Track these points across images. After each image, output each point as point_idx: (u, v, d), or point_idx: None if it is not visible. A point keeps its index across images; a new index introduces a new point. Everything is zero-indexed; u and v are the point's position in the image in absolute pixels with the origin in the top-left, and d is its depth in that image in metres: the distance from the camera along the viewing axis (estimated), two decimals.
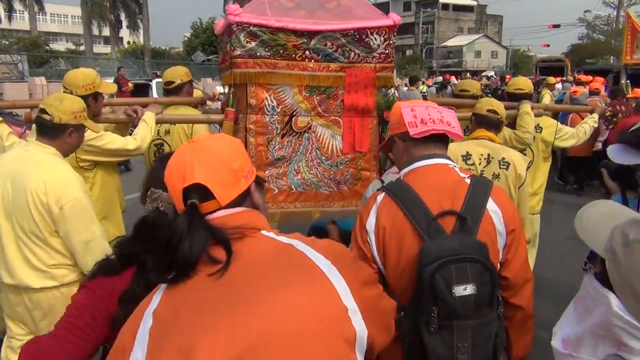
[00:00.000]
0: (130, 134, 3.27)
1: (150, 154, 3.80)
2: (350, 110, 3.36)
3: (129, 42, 49.05)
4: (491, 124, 3.21)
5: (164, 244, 1.10)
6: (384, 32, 3.35)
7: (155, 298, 1.11)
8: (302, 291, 1.05)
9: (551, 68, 26.03)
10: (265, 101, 3.24)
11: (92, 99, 3.11)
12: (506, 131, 3.76)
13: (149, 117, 3.23)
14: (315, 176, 3.37)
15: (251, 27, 3.14)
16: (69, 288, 2.48)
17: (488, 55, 62.61)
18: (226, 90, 3.93)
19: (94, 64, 27.40)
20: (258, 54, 3.18)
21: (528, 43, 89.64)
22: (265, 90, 3.24)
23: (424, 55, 54.71)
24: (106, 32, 40.14)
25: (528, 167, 3.97)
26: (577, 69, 29.73)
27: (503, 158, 3.07)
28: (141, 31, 38.59)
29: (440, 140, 1.87)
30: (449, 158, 1.87)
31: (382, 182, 2.56)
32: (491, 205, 1.73)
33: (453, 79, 23.61)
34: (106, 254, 2.11)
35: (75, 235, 2.40)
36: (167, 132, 3.73)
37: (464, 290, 1.51)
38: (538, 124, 4.03)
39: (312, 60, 3.28)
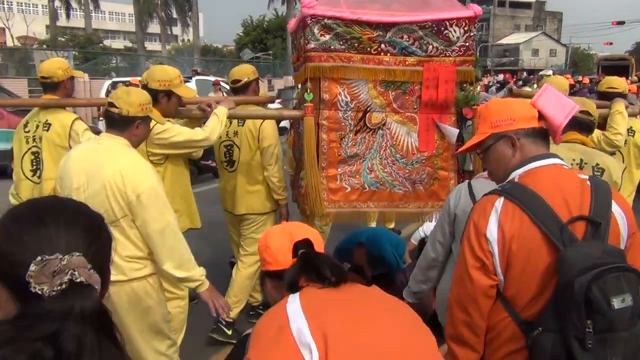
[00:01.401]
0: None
1: (220, 154, 3.83)
2: (428, 106, 3.25)
3: (182, 40, 50.25)
4: (583, 126, 3.00)
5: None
6: (463, 23, 3.22)
7: (293, 296, 1.46)
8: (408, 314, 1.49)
9: (614, 67, 25.05)
10: (339, 96, 3.17)
11: (165, 97, 3.13)
12: (595, 132, 3.55)
13: (220, 111, 3.22)
14: (389, 175, 3.28)
15: (325, 20, 3.09)
16: (139, 283, 2.51)
17: (546, 53, 60.82)
18: (297, 88, 3.94)
19: (143, 61, 28.22)
20: (332, 47, 3.12)
21: (589, 41, 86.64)
22: (339, 85, 3.17)
23: (478, 53, 53.63)
24: (159, 29, 41.26)
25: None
26: None
27: (597, 164, 2.87)
28: (191, 29, 39.43)
29: (547, 139, 1.79)
30: (560, 158, 1.77)
31: (470, 186, 2.45)
32: (615, 208, 1.64)
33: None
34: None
35: (152, 223, 2.43)
36: (236, 133, 3.73)
37: (622, 302, 1.42)
38: (631, 127, 3.77)
39: (388, 54, 3.19)
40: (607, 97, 3.83)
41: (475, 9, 3.27)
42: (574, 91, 13.02)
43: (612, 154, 3.65)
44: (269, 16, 41.77)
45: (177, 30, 43.78)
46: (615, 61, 27.11)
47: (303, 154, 3.32)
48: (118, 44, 50.63)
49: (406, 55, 3.20)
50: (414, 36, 3.18)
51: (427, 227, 3.57)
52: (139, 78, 14.49)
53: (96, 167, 2.43)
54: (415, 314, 1.46)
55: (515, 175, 1.73)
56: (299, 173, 3.65)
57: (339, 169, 3.25)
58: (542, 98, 1.75)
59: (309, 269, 1.51)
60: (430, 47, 3.20)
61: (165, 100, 3.14)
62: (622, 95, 3.82)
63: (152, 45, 49.29)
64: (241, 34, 42.28)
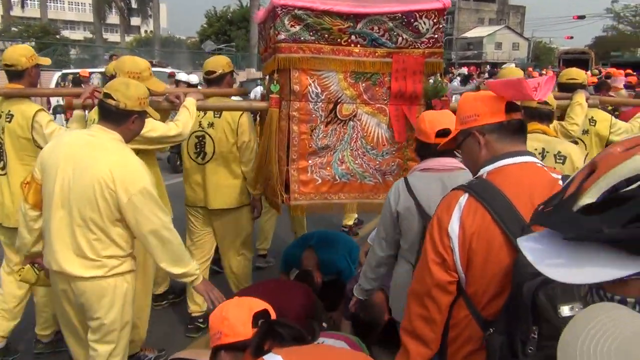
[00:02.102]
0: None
1: (190, 145, 3.75)
2: (398, 97, 3.30)
3: (146, 32, 49.19)
4: (543, 115, 3.10)
5: None
6: (433, 15, 3.28)
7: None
8: None
9: (575, 61, 25.75)
10: (309, 87, 3.19)
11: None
12: (552, 123, 3.67)
13: (190, 103, 3.19)
14: (360, 166, 3.32)
15: (296, 10, 3.09)
16: (117, 279, 2.50)
17: (509, 47, 61.99)
18: (265, 80, 3.92)
19: (102, 53, 27.53)
20: (302, 38, 3.13)
21: (551, 35, 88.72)
22: (309, 76, 3.18)
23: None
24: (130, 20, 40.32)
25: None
26: (601, 62, 29.41)
27: (559, 151, 2.98)
28: (151, 20, 38.66)
29: (524, 132, 1.73)
30: (533, 155, 1.72)
31: (407, 181, 2.46)
32: None
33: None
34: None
35: (146, 224, 2.41)
36: (211, 124, 3.67)
37: (571, 310, 1.32)
38: (592, 117, 3.91)
39: (358, 45, 3.22)
40: (568, 88, 3.94)
41: (445, 1, 3.32)
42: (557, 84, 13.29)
43: (575, 143, 3.78)
44: (233, 7, 41.36)
45: (138, 21, 42.80)
46: (575, 55, 27.84)
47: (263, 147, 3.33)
48: (78, 35, 49.32)
49: (376, 47, 3.24)
50: (384, 27, 3.22)
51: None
52: (90, 70, 14.03)
53: (86, 161, 2.38)
54: None
55: (484, 171, 1.69)
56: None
57: (310, 161, 3.27)
58: (498, 86, 1.71)
59: (272, 335, 1.64)
60: (400, 38, 3.24)
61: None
62: (582, 86, 3.96)
63: (114, 37, 48.14)
64: (205, 26, 41.68)
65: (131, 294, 2.60)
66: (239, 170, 3.71)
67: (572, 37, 52.49)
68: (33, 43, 23.90)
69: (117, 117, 2.46)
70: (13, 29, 33.64)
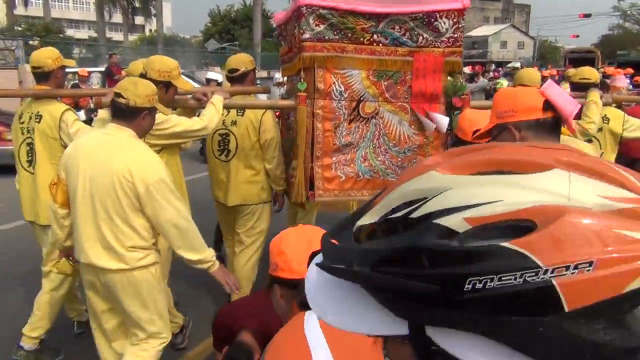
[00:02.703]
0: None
1: (214, 143, 3.84)
2: (418, 96, 3.40)
3: (150, 31, 49.38)
4: None
5: None
6: (453, 15, 3.38)
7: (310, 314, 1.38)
8: None
9: (581, 60, 25.81)
10: (333, 86, 3.29)
11: (163, 87, 3.17)
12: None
13: (217, 99, 3.29)
14: (382, 163, 3.42)
15: (320, 10, 3.20)
16: (141, 272, 2.62)
17: (514, 45, 62.04)
18: (284, 81, 4.01)
19: (105, 52, 27.67)
20: (326, 37, 3.23)
21: (556, 33, 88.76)
22: (333, 74, 3.29)
23: None
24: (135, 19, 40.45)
25: None
26: (608, 60, 29.45)
27: None
28: (154, 18, 38.76)
29: (559, 130, 1.79)
30: None
31: None
32: None
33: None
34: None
35: (163, 213, 2.55)
36: (234, 122, 3.75)
37: None
38: (605, 115, 4.01)
39: (380, 44, 3.32)
40: (581, 87, 4.05)
41: (464, 1, 3.42)
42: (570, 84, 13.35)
43: (589, 141, 3.88)
44: (237, 6, 41.55)
45: (143, 20, 42.98)
46: (581, 54, 27.89)
47: (294, 144, 3.43)
48: (82, 34, 49.54)
49: (397, 46, 3.34)
50: (405, 27, 3.32)
51: None
52: (90, 69, 13.94)
53: (104, 159, 2.53)
54: None
55: None
56: (289, 163, 3.76)
57: (334, 158, 3.37)
58: (549, 88, 1.78)
59: None
60: (421, 38, 3.35)
61: (163, 91, 3.18)
62: (595, 85, 4.06)
63: (118, 36, 48.36)
64: (209, 25, 41.86)
65: (158, 285, 2.73)
66: (261, 167, 3.79)
67: (578, 36, 52.60)
68: (36, 42, 24.01)
69: (128, 114, 2.61)
70: (16, 27, 33.86)
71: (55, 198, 2.72)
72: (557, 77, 16.76)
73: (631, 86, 9.64)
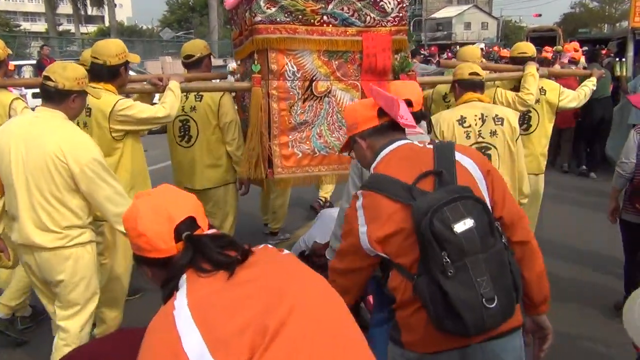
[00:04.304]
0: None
1: (175, 129, 3.99)
2: (368, 73, 3.64)
3: (116, 21, 48.35)
4: (476, 85, 3.51)
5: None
6: None
7: (180, 300, 1.28)
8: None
9: (542, 38, 26.43)
10: (286, 67, 3.50)
11: (124, 68, 3.32)
12: (509, 94, 4.10)
13: (174, 85, 3.43)
14: (337, 139, 3.65)
15: None
16: (79, 249, 2.75)
17: (478, 27, 63.03)
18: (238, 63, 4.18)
19: (58, 44, 27.22)
20: (278, 19, 3.43)
21: (519, 13, 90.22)
22: (285, 55, 3.49)
23: (411, 28, 54.93)
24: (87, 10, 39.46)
25: (534, 129, 4.33)
26: (569, 38, 30.24)
27: (496, 115, 3.39)
28: (106, 7, 37.99)
29: (396, 129, 2.02)
30: (406, 138, 2.02)
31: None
32: (459, 157, 1.90)
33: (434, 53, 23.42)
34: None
35: (99, 191, 2.67)
36: (193, 108, 3.90)
37: (464, 225, 1.64)
38: (542, 87, 4.35)
39: (330, 25, 3.54)
40: (519, 61, 4.40)
41: None
42: (505, 62, 13.80)
43: (528, 112, 4.21)
44: None
45: (102, 11, 42.05)
46: (543, 32, 28.57)
47: (250, 125, 3.63)
48: (39, 26, 48.17)
49: (347, 26, 3.57)
50: (353, 7, 3.55)
51: (309, 237, 3.94)
52: (17, 62, 13.60)
53: (35, 139, 2.61)
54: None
55: (371, 168, 1.99)
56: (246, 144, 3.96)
57: (290, 136, 3.59)
58: (376, 97, 2.05)
59: (198, 258, 1.34)
60: (369, 17, 3.59)
61: (124, 71, 3.33)
62: (532, 59, 4.41)
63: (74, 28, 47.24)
64: (165, 13, 41.42)
65: (93, 265, 2.84)
66: (223, 150, 3.97)
67: (540, 15, 53.77)
68: None
69: (57, 97, 2.69)
70: None
71: None
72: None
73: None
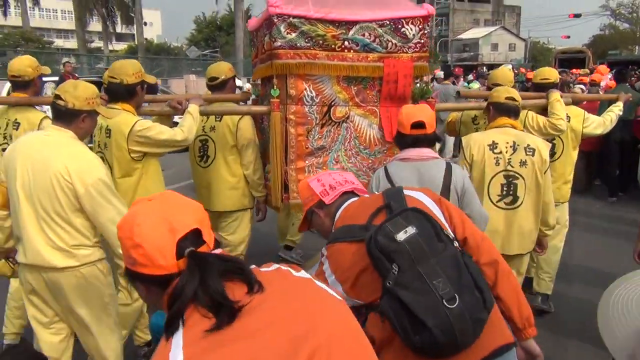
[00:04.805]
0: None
1: (195, 149, 4.04)
2: (387, 99, 3.63)
3: (146, 39, 49.47)
4: (511, 111, 3.44)
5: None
6: (418, 22, 3.62)
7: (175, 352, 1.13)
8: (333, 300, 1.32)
9: (571, 60, 26.24)
10: (305, 92, 3.51)
11: (140, 88, 3.36)
12: (540, 118, 4.03)
13: (193, 109, 3.46)
14: (354, 165, 3.64)
15: (291, 18, 3.41)
16: (89, 268, 2.75)
17: (505, 48, 62.81)
18: (256, 85, 4.22)
19: (87, 61, 27.87)
20: (298, 44, 3.44)
21: (547, 34, 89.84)
22: (304, 80, 3.50)
23: (437, 48, 54.98)
24: (116, 28, 40.49)
25: (558, 157, 4.26)
26: (599, 60, 29.95)
27: (528, 144, 3.33)
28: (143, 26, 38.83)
29: (349, 194, 2.13)
30: (358, 196, 2.13)
31: (386, 170, 2.86)
32: (408, 192, 2.01)
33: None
34: None
35: (103, 213, 2.65)
36: (212, 128, 3.95)
37: (405, 233, 1.69)
38: (566, 113, 4.28)
39: (351, 51, 3.54)
40: (542, 87, 4.35)
41: (429, 9, 3.68)
42: (531, 84, 13.68)
43: (552, 139, 4.15)
44: (222, 13, 41.95)
45: (127, 28, 43.09)
46: (572, 54, 28.36)
47: (268, 148, 3.64)
48: (72, 43, 49.59)
49: (368, 52, 3.57)
50: (375, 33, 3.55)
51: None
52: (46, 79, 13.85)
53: (43, 159, 2.63)
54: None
55: (333, 228, 2.07)
56: (264, 167, 3.98)
57: (307, 161, 3.59)
58: (313, 181, 2.17)
59: (201, 288, 1.19)
60: (390, 43, 3.58)
61: (140, 90, 3.37)
62: (555, 85, 4.36)
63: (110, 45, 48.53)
64: (193, 32, 42.22)
65: (106, 282, 2.84)
66: (241, 172, 3.98)
67: (569, 37, 53.26)
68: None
69: (67, 116, 2.71)
70: None
71: None
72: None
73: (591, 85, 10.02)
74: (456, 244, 1.86)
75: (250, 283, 1.23)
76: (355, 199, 2.10)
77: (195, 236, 1.26)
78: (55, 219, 2.64)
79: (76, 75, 14.44)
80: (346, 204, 2.07)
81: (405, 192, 2.00)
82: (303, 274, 1.37)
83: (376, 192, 2.62)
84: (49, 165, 2.59)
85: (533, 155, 3.29)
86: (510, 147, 3.31)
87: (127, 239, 1.24)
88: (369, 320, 1.81)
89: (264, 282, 1.25)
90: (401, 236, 1.68)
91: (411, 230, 1.70)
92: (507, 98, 3.43)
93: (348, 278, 1.82)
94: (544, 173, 3.32)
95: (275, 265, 1.38)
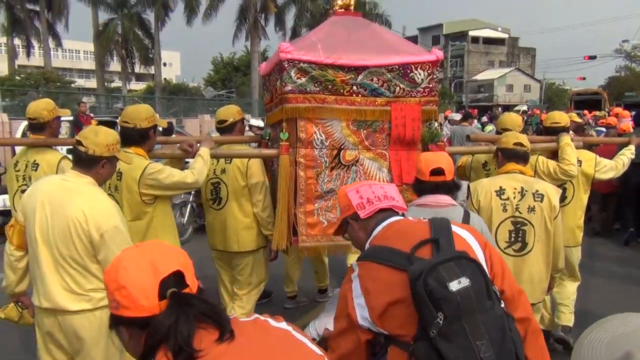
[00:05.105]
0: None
1: (207, 192, 4.10)
2: (397, 143, 3.67)
3: (165, 79, 50.49)
4: (519, 156, 3.44)
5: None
6: (427, 67, 3.69)
7: None
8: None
9: (587, 102, 26.24)
10: (315, 135, 3.56)
11: (153, 132, 3.45)
12: (551, 163, 4.03)
13: (204, 151, 3.53)
14: None
15: (302, 64, 3.50)
16: (104, 311, 2.72)
17: (520, 89, 63.12)
18: (268, 128, 4.31)
19: (105, 101, 28.48)
20: (308, 89, 3.52)
21: (562, 76, 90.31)
22: (314, 124, 3.56)
23: (452, 89, 55.43)
24: (134, 68, 41.51)
25: (569, 201, 4.23)
26: (615, 102, 29.94)
27: (537, 190, 3.31)
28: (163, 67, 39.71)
29: (388, 211, 2.07)
30: (398, 214, 2.08)
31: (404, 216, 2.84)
32: (456, 229, 1.93)
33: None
34: None
35: None
36: (223, 170, 4.02)
37: (459, 283, 1.64)
38: (577, 157, 4.27)
39: (360, 95, 3.61)
40: (552, 131, 4.35)
41: (438, 54, 3.75)
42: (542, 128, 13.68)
43: (563, 183, 4.13)
44: (240, 54, 42.94)
45: (145, 68, 44.17)
46: (588, 95, 28.41)
47: (276, 191, 3.68)
48: (93, 83, 50.92)
49: (376, 96, 3.63)
50: (383, 78, 3.62)
51: (319, 323, 3.94)
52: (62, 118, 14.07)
53: (61, 204, 2.66)
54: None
55: (367, 244, 2.03)
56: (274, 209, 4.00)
57: (316, 204, 3.61)
58: (351, 191, 2.13)
59: (173, 329, 1.22)
60: (398, 88, 3.64)
61: (153, 134, 3.46)
62: (565, 129, 4.36)
63: (128, 85, 49.68)
64: (210, 72, 43.17)
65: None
66: (252, 213, 4.03)
67: (584, 78, 53.32)
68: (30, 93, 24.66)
69: (87, 162, 2.76)
70: (17, 77, 34.84)
71: (11, 240, 2.86)
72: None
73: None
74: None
75: (222, 330, 1.26)
76: (398, 218, 2.03)
77: (178, 278, 1.30)
78: (72, 264, 2.66)
79: (91, 115, 14.47)
80: (388, 222, 2.01)
81: (453, 227, 1.93)
82: (283, 325, 1.39)
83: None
84: (66, 211, 2.62)
85: (542, 201, 3.27)
86: (519, 193, 3.31)
87: (112, 281, 1.29)
88: (391, 353, 1.79)
89: (237, 331, 1.28)
90: (454, 286, 1.64)
91: (465, 281, 1.65)
92: (515, 144, 3.43)
93: (378, 305, 1.78)
94: (554, 219, 3.30)
95: (255, 315, 1.41)
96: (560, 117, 4.53)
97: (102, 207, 2.69)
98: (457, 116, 13.11)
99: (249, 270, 4.15)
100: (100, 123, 12.09)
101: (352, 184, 2.22)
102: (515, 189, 3.32)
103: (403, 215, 2.10)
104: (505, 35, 70.08)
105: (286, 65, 3.49)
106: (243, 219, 4.03)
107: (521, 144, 3.45)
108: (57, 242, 2.65)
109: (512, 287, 1.91)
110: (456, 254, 1.74)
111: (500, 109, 41.03)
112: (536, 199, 3.28)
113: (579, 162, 4.26)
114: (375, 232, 2.01)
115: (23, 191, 3.75)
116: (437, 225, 1.92)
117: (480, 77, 64.33)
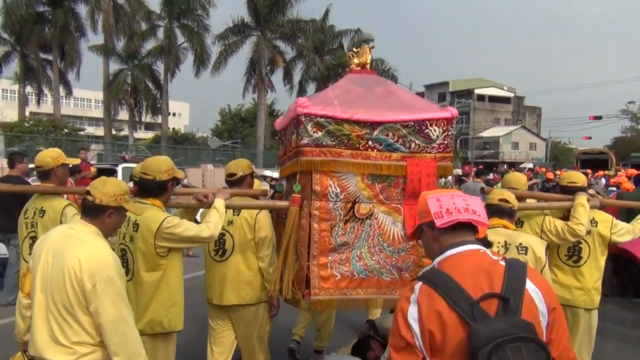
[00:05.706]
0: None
1: (211, 243, 4.03)
2: (412, 197, 3.69)
3: (174, 129, 51.16)
4: (504, 212, 3.63)
5: None
6: (442, 123, 3.77)
7: None
8: None
9: (594, 161, 26.40)
10: (330, 188, 3.61)
11: (170, 183, 3.50)
12: (558, 222, 4.06)
13: (219, 204, 3.56)
14: (377, 262, 3.65)
15: (318, 118, 3.58)
16: None
17: (526, 146, 63.68)
18: (282, 181, 4.36)
19: (110, 149, 28.90)
20: (324, 143, 3.59)
21: (568, 135, 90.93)
22: (329, 177, 3.61)
23: (458, 145, 55.93)
24: (142, 117, 42.28)
25: (585, 262, 4.22)
26: (622, 162, 30.09)
27: (520, 243, 3.42)
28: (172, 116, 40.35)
29: (468, 227, 2.00)
30: (479, 243, 2.00)
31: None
32: (530, 285, 1.85)
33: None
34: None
35: (104, 314, 2.58)
36: (230, 222, 4.01)
37: None
38: (593, 218, 4.28)
39: (375, 150, 3.67)
40: (569, 191, 4.39)
41: (453, 111, 3.84)
42: (552, 185, 13.75)
43: (578, 243, 4.13)
44: (247, 105, 43.75)
45: (159, 118, 45.01)
46: (594, 155, 28.63)
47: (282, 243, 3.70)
48: (102, 130, 51.95)
49: (391, 151, 3.69)
50: (399, 134, 3.69)
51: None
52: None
53: (61, 252, 2.68)
54: None
55: (436, 262, 1.97)
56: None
57: (330, 257, 3.61)
58: (431, 198, 2.05)
59: None
60: (413, 144, 3.71)
61: (171, 187, 3.51)
62: (582, 189, 4.39)
63: (137, 134, 50.57)
64: (218, 123, 43.89)
65: None
66: (257, 266, 4.00)
67: (590, 138, 53.83)
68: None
69: (94, 211, 2.78)
70: (26, 124, 35.44)
71: (22, 288, 2.88)
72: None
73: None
74: None
75: None
76: (477, 248, 1.96)
77: None
78: (62, 312, 2.62)
79: (90, 162, 14.66)
80: (462, 249, 1.94)
81: (527, 284, 1.86)
82: None
83: None
84: (64, 258, 2.63)
85: (526, 253, 3.36)
86: (502, 246, 3.40)
87: None
88: None
89: None
90: None
91: None
92: (500, 200, 3.64)
93: (430, 339, 1.79)
94: (540, 272, 3.34)
95: None
96: (578, 177, 4.57)
97: (98, 257, 2.67)
98: (458, 171, 13.22)
99: (249, 324, 4.07)
100: (99, 170, 12.19)
101: (434, 191, 2.16)
102: (499, 242, 3.43)
103: (484, 243, 2.04)
104: (511, 94, 71.23)
105: (303, 120, 3.57)
106: (246, 272, 3.99)
107: (506, 200, 3.63)
108: (53, 290, 2.64)
109: (564, 355, 1.88)
110: (528, 334, 1.69)
111: (505, 165, 41.32)
112: (520, 251, 3.37)
113: (595, 222, 4.27)
114: (448, 253, 1.95)
115: (31, 238, 3.79)
116: (512, 275, 1.86)
117: (486, 134, 65.06)
